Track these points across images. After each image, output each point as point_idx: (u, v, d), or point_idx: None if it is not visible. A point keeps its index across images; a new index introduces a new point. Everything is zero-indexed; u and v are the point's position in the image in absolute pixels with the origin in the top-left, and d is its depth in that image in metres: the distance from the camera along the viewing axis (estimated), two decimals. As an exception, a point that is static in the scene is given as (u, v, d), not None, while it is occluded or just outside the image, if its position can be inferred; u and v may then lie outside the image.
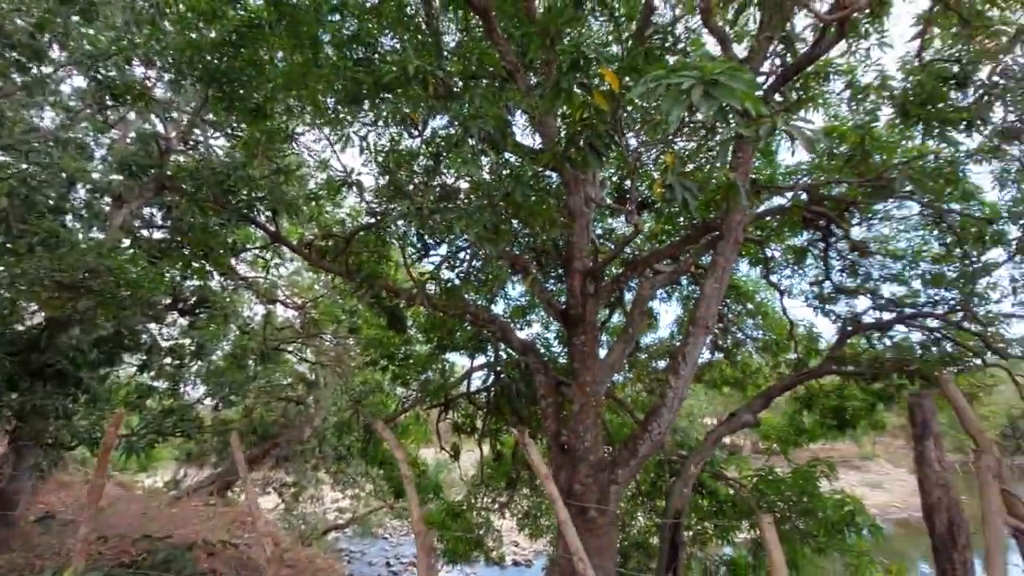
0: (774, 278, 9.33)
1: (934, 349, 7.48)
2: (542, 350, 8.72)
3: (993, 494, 2.62)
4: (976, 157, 7.15)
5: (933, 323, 7.45)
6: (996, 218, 7.22)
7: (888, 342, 8.38)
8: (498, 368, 7.91)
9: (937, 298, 7.59)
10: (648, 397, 10.13)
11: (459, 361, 10.64)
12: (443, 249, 6.66)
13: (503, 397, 7.81)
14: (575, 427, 5.89)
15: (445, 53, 6.69)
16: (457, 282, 5.63)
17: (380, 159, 6.24)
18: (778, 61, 5.45)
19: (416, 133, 6.05)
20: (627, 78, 4.25)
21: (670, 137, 6.07)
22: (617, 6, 7.31)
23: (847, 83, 6.42)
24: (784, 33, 4.40)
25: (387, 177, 6.08)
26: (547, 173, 6.67)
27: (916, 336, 7.86)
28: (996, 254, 7.28)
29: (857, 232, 8.92)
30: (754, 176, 7.77)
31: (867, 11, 5.32)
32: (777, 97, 5.62)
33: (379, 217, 5.95)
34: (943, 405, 4.04)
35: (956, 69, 6.27)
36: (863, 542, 7.43)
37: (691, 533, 8.60)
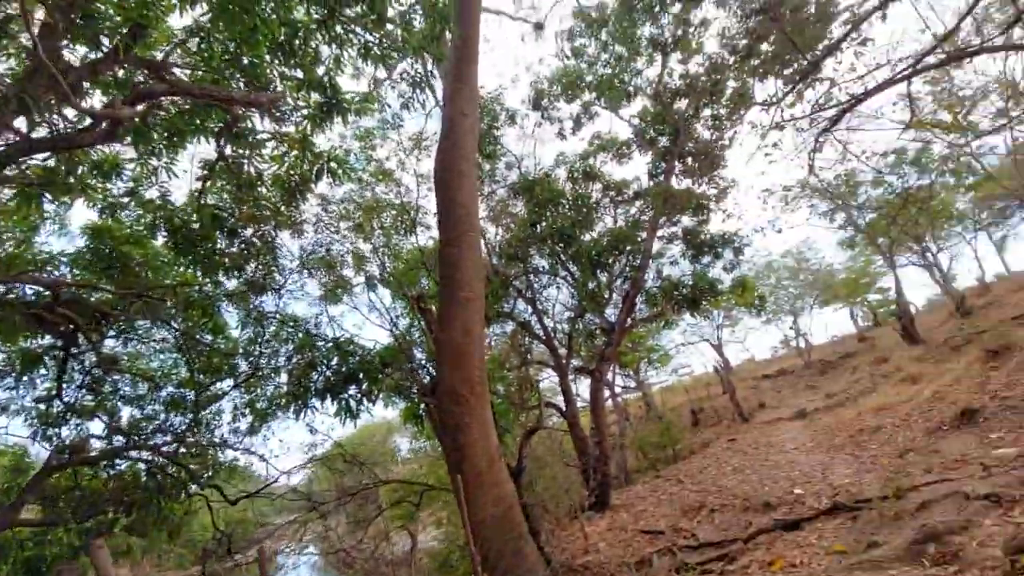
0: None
1: (158, 478, 7.36)
2: None
3: None
4: (232, 298, 8.31)
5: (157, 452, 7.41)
6: (235, 353, 8.43)
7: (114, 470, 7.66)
8: None
9: (169, 425, 7.70)
10: None
11: None
12: None
13: None
14: None
15: None
16: None
17: None
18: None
19: None
20: None
21: None
22: None
23: (130, 189, 6.09)
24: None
25: None
26: None
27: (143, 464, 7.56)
28: (227, 384, 8.38)
29: (112, 344, 8.20)
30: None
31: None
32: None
33: None
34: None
35: (232, 220, 7.25)
36: None
37: None
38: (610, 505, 10.61)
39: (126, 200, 6.15)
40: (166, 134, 5.63)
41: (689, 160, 12.63)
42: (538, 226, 12.33)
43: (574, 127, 13.83)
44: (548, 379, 20.04)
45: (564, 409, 13.48)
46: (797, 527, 5.71)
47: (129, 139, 5.07)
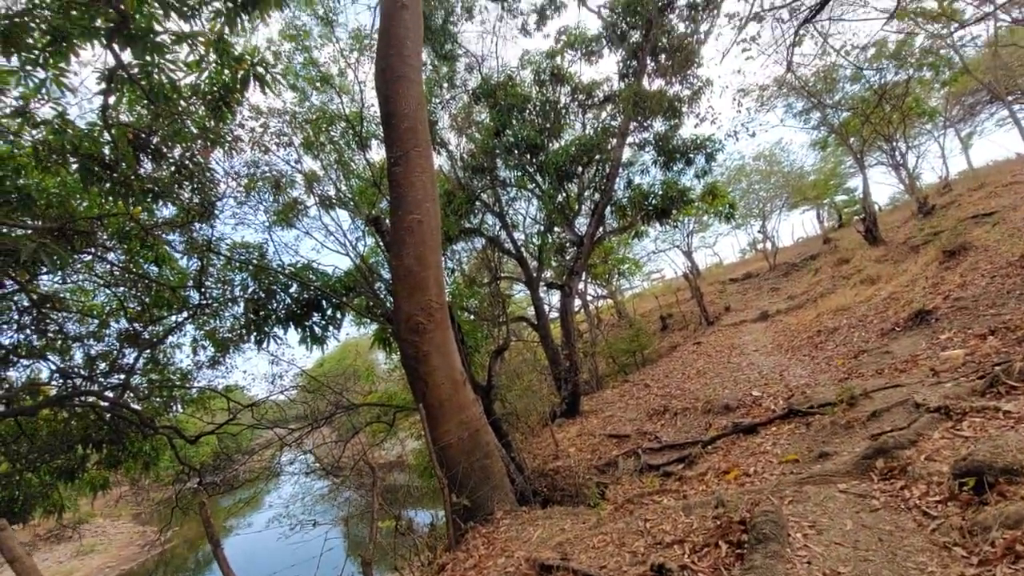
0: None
1: (116, 420, 7.19)
2: None
3: None
4: (170, 227, 7.70)
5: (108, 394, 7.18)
6: (184, 284, 7.98)
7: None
8: None
9: (124, 364, 7.40)
10: None
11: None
12: None
13: None
14: None
15: None
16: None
17: None
18: None
19: None
20: None
21: None
22: None
23: (19, 109, 5.23)
24: None
25: None
26: None
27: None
28: (181, 316, 8.02)
29: (48, 282, 7.65)
30: None
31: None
32: None
33: None
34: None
35: (155, 140, 6.46)
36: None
37: None
38: (580, 412, 11.07)
39: (18, 121, 5.31)
40: (48, 38, 4.74)
41: (662, 57, 11.75)
42: (503, 135, 11.58)
43: (539, 21, 12.57)
44: (520, 292, 20.17)
45: (536, 323, 13.62)
46: (753, 431, 5.97)
47: None
